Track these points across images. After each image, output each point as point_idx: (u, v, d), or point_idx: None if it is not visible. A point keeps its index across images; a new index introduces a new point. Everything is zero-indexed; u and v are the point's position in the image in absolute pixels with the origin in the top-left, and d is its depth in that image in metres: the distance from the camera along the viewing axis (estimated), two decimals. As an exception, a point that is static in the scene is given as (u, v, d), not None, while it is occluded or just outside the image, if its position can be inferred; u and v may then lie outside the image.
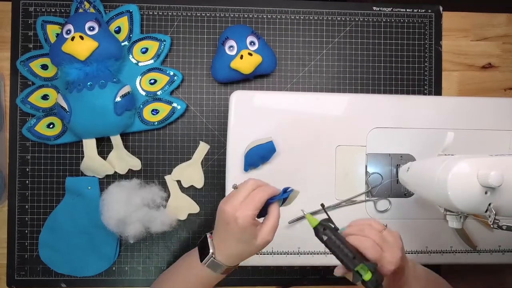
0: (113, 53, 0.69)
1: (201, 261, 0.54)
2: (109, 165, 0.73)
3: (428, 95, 0.78)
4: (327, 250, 0.68)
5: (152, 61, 0.74)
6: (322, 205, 0.53)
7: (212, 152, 0.76)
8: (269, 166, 0.67)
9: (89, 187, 0.74)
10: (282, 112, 0.69)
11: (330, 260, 0.69)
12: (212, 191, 0.76)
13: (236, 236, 0.50)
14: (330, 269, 0.75)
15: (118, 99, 0.69)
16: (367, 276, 0.46)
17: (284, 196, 0.53)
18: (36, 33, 0.74)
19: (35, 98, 0.73)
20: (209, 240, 0.54)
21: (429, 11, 0.79)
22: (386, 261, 0.48)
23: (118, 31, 0.74)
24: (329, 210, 0.67)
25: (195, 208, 0.75)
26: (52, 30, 0.73)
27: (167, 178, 0.75)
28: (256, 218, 0.51)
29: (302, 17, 0.78)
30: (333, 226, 0.50)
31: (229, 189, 0.66)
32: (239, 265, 0.56)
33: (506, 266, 0.74)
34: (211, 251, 0.53)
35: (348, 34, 0.78)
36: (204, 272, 0.54)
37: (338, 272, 0.51)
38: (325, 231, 0.49)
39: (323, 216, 0.52)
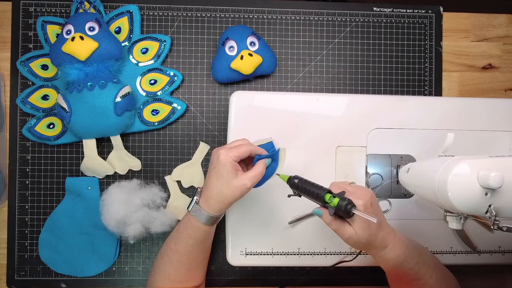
0: (113, 54, 0.69)
1: (187, 208, 0.60)
2: (109, 166, 0.73)
3: (428, 95, 0.78)
4: (327, 250, 0.69)
5: (152, 62, 0.74)
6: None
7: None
8: (269, 166, 0.67)
9: (89, 188, 0.74)
10: (282, 112, 0.69)
11: (330, 260, 0.69)
12: (212, 191, 0.76)
13: (216, 172, 0.56)
14: (330, 270, 0.75)
15: (118, 99, 0.69)
16: (334, 202, 0.50)
17: (270, 155, 0.59)
18: (36, 33, 0.74)
19: (35, 98, 0.73)
20: (198, 190, 0.61)
21: (430, 11, 0.79)
22: (353, 197, 0.51)
23: (118, 31, 0.74)
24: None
25: (195, 208, 0.75)
26: (52, 30, 0.73)
27: (167, 178, 0.75)
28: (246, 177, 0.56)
29: (302, 18, 0.78)
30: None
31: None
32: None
33: (506, 267, 0.74)
34: (195, 197, 0.60)
35: (349, 35, 0.78)
36: (193, 222, 0.59)
37: (325, 218, 0.53)
38: (296, 179, 0.56)
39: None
